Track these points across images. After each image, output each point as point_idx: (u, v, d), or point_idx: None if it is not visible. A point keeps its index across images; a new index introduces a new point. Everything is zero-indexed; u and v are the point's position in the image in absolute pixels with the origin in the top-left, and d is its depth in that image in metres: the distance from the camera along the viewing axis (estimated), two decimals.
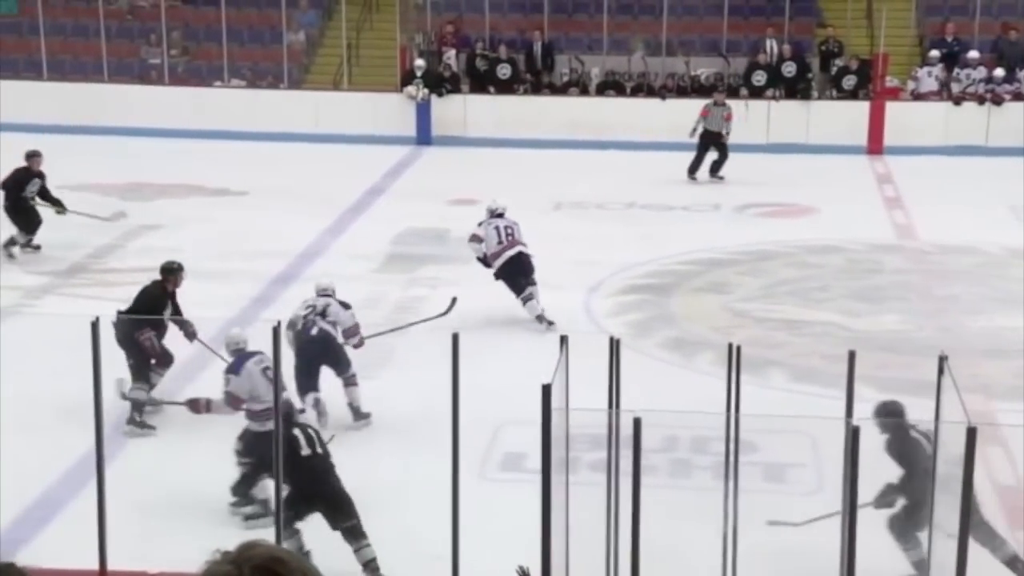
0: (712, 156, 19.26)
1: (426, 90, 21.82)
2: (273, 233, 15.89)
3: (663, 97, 22.14)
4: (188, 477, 9.26)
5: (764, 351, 11.91)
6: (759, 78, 21.91)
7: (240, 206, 17.62)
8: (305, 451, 7.99)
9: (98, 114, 21.63)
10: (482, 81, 22.33)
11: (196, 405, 9.41)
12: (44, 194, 14.90)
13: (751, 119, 20.94)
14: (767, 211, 17.68)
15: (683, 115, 19.54)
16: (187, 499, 8.96)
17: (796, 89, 21.91)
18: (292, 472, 7.57)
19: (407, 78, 22.07)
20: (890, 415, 8.03)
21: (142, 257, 14.66)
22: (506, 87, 22.25)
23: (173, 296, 10.79)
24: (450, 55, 22.63)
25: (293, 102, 22.35)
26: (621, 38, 22.95)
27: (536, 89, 22.52)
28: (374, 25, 23.62)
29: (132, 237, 15.69)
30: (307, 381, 10.04)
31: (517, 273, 12.66)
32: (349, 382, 10.31)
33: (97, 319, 6.06)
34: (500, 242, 12.76)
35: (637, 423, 6.03)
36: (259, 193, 18.17)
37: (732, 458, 7.28)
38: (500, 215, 13.05)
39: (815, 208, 17.42)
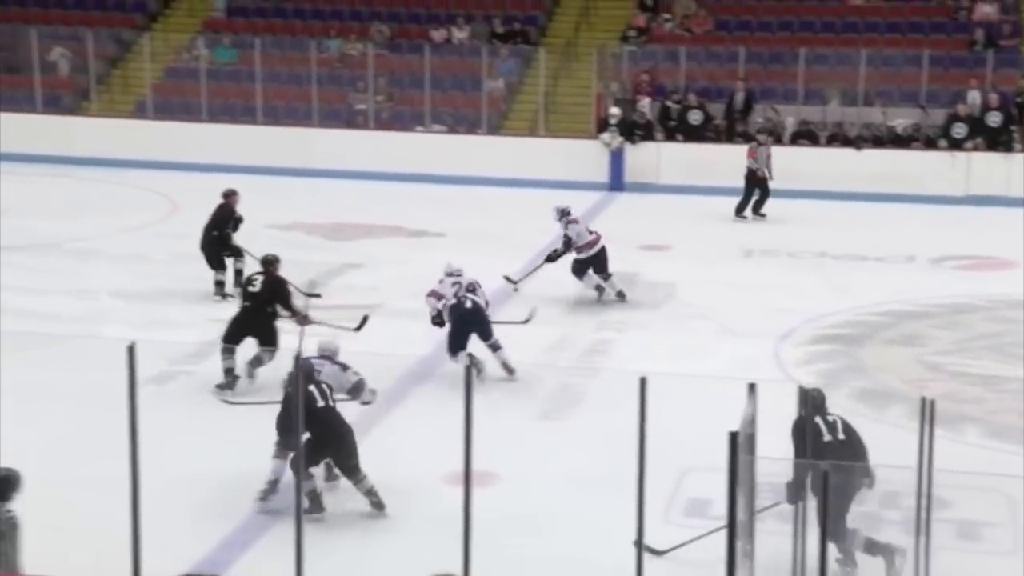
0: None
1: (620, 137, 21.85)
2: (468, 274, 16.02)
3: (858, 147, 21.67)
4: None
5: (958, 406, 11.47)
6: (959, 130, 21.25)
7: (437, 247, 17.85)
8: (320, 403, 9.08)
9: (307, 157, 22.31)
10: (673, 129, 22.24)
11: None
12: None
13: (952, 170, 20.34)
14: (965, 264, 17.07)
15: (879, 166, 19.07)
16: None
17: (998, 141, 21.16)
18: (309, 421, 8.51)
19: (602, 125, 22.16)
20: (812, 400, 8.19)
21: (343, 295, 15.02)
22: (696, 134, 22.13)
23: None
24: (644, 103, 22.63)
25: (490, 147, 22.64)
26: (817, 88, 22.58)
27: (729, 137, 22.32)
28: (571, 73, 23.79)
29: (334, 275, 16.06)
30: (458, 343, 12.05)
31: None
32: (495, 347, 12.14)
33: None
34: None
35: (825, 475, 5.85)
36: (455, 235, 18.42)
37: (924, 514, 7.00)
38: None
39: (1015, 262, 16.74)
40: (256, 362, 11.73)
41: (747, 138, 22.24)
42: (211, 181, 21.21)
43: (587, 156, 21.95)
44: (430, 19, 25.12)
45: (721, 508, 6.38)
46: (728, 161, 21.42)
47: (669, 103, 22.51)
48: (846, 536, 8.11)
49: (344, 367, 10.23)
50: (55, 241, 16.99)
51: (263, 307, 11.96)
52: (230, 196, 15.36)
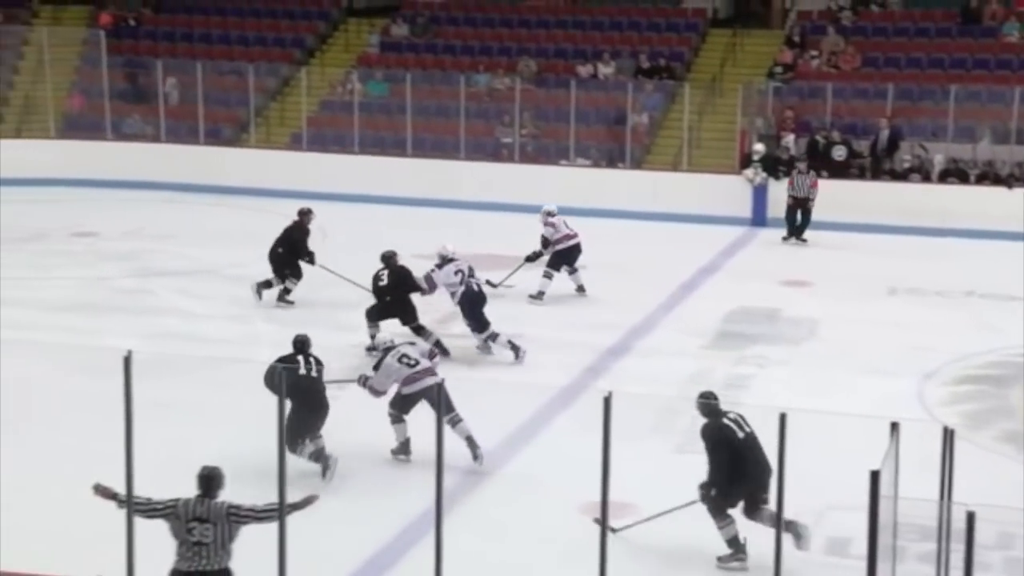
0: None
1: (764, 173, 21.60)
2: (609, 306, 16.03)
3: (1010, 186, 21.05)
4: None
5: None
6: None
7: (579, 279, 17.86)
8: (302, 371, 10.39)
9: (454, 189, 22.55)
10: (818, 165, 21.89)
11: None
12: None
13: None
14: None
15: None
16: None
17: None
18: (295, 391, 9.98)
19: (745, 161, 21.93)
20: (705, 405, 9.15)
21: (493, 326, 15.09)
22: (841, 170, 21.75)
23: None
24: (788, 139, 22.34)
25: (633, 181, 22.58)
26: (967, 125, 22.02)
27: (875, 174, 21.89)
28: (716, 109, 23.63)
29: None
30: (479, 322, 13.82)
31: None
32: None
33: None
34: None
35: (971, 517, 5.65)
36: (597, 268, 18.35)
37: None
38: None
39: None
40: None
41: (893, 175, 21.82)
42: (361, 211, 21.72)
43: (730, 191, 21.73)
44: (577, 55, 25.24)
45: (861, 547, 6.21)
46: (873, 198, 21.02)
47: (818, 138, 22.19)
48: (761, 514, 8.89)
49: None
50: (214, 267, 17.44)
51: (394, 295, 13.94)
52: (305, 215, 15.99)
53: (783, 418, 6.52)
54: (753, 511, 8.94)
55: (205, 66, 24.57)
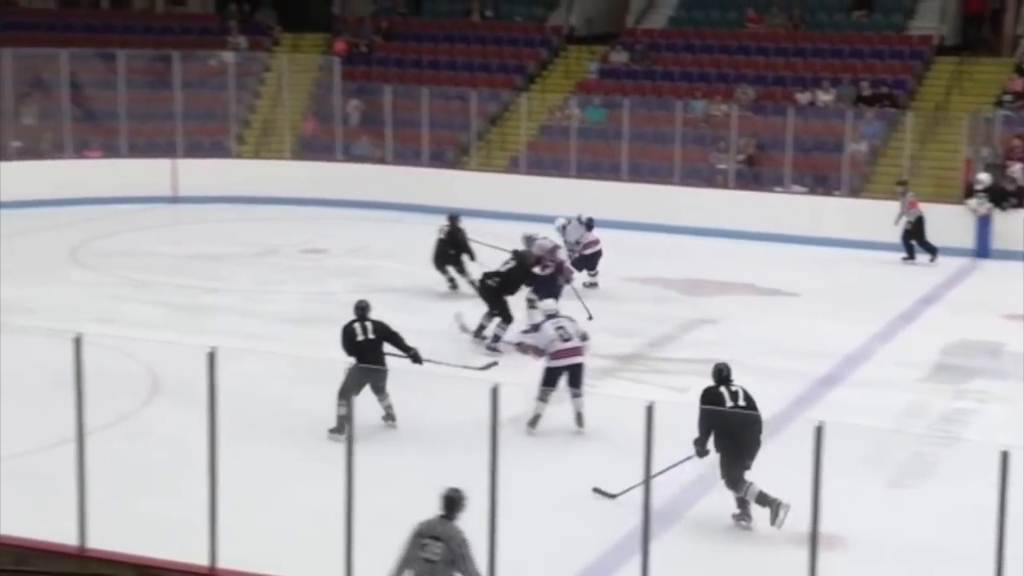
0: None
1: (989, 204, 20.66)
2: (821, 335, 15.56)
3: None
4: None
5: None
6: None
7: (790, 307, 17.44)
8: (360, 337, 11.55)
9: (668, 214, 22.34)
10: None
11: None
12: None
13: None
14: None
15: None
16: None
17: None
18: (351, 351, 11.44)
19: (969, 191, 21.02)
20: (717, 372, 9.85)
21: (695, 349, 14.87)
22: None
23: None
24: (1016, 169, 21.31)
25: (850, 210, 21.92)
26: None
27: None
28: (939, 137, 22.76)
29: (688, 330, 15.94)
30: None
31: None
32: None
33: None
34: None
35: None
36: (810, 295, 17.91)
37: None
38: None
39: None
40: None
41: None
42: None
43: (952, 221, 20.85)
44: (796, 82, 24.71)
45: None
46: None
47: None
48: (743, 486, 9.55)
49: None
50: (433, 285, 17.68)
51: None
52: (455, 219, 17.41)
53: (1004, 456, 6.14)
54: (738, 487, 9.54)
55: (431, 92, 25.06)
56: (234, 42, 27.08)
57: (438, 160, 24.82)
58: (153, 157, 24.20)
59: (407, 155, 24.86)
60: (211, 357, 7.56)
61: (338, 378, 7.06)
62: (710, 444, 9.70)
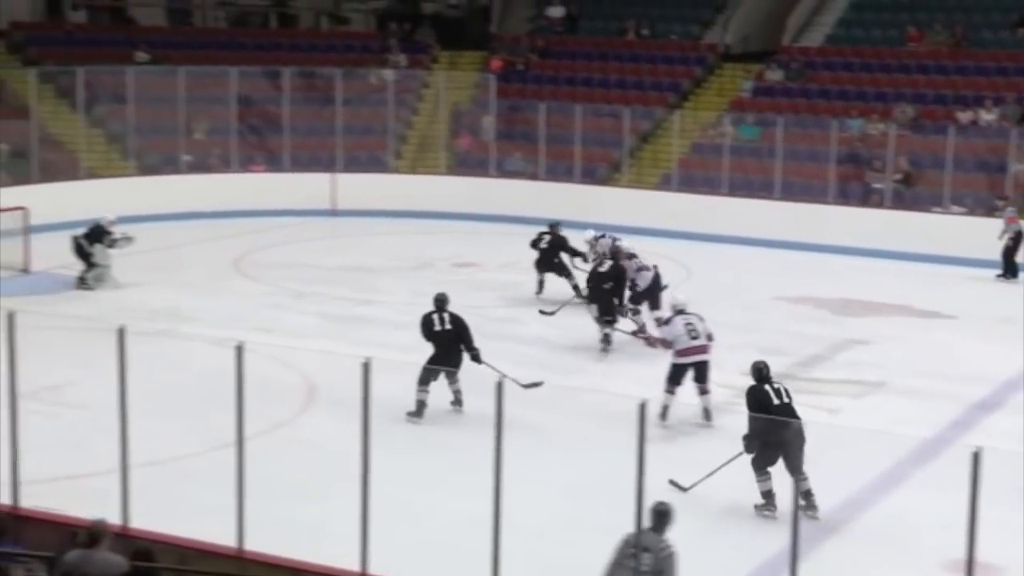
0: None
1: None
2: (978, 358, 15.07)
3: None
4: None
5: None
6: None
7: (947, 329, 16.94)
8: (437, 327, 12.37)
9: (820, 233, 21.92)
10: None
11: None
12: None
13: None
14: None
15: None
16: None
17: None
18: (430, 338, 12.39)
19: None
20: (757, 371, 10.34)
21: (847, 370, 14.55)
22: None
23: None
24: None
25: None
26: None
27: None
28: None
29: (840, 350, 15.60)
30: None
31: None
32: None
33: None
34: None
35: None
36: (970, 318, 17.37)
37: None
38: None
39: None
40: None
41: None
42: (726, 252, 21.50)
43: None
44: (957, 100, 24.02)
45: None
46: None
47: None
48: (765, 477, 9.97)
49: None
50: (580, 301, 17.65)
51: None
52: (557, 227, 18.16)
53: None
54: (793, 470, 9.33)
55: (584, 109, 25.10)
56: (394, 60, 27.57)
57: (589, 176, 24.84)
58: (314, 171, 24.78)
59: (559, 171, 24.94)
60: (366, 367, 7.69)
61: (490, 390, 7.12)
62: None
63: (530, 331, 16.18)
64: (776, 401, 10.10)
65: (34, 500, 8.75)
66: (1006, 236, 20.06)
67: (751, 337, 15.31)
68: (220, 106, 24.67)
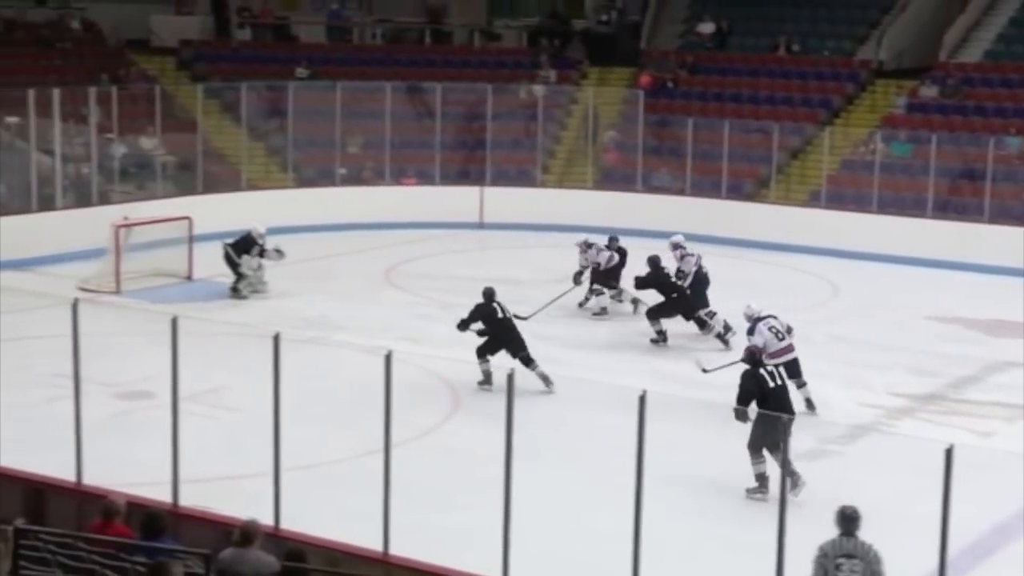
0: None
1: None
2: None
3: None
4: None
5: None
6: None
7: None
8: (500, 315, 13.79)
9: (969, 252, 21.29)
10: None
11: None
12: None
13: None
14: None
15: None
16: None
17: None
18: (493, 326, 13.77)
19: None
20: (751, 355, 11.17)
21: (1000, 393, 14.13)
22: None
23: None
24: None
25: None
26: None
27: None
28: None
29: (992, 372, 15.14)
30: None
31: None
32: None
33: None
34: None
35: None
36: None
37: None
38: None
39: None
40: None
41: None
42: (874, 270, 21.04)
43: None
44: None
45: None
46: None
47: None
48: (759, 460, 10.55)
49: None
50: (728, 316, 17.48)
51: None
52: (617, 239, 18.36)
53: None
54: (773, 449, 10.23)
55: (732, 125, 24.86)
56: (544, 75, 27.73)
57: (736, 192, 24.58)
58: (463, 185, 25.07)
59: (705, 186, 24.72)
60: (510, 379, 7.77)
61: (633, 405, 7.14)
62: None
63: (678, 345, 16.08)
64: (771, 384, 10.83)
65: (192, 499, 9.05)
66: None
67: (899, 357, 14.97)
68: (375, 120, 25.15)
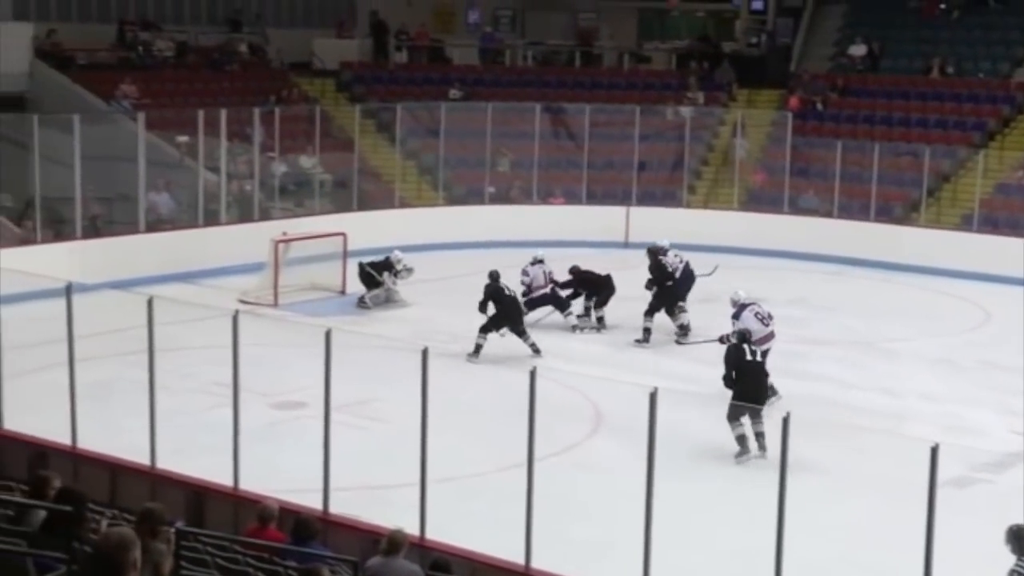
0: None
1: None
2: None
3: None
4: None
5: None
6: None
7: None
8: (507, 293, 15.87)
9: None
10: None
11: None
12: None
13: None
14: None
15: None
16: None
17: None
18: (503, 304, 15.83)
19: None
20: (742, 335, 12.70)
21: None
22: None
23: None
24: None
25: None
26: None
27: None
28: None
29: None
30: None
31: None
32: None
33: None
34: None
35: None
36: None
37: None
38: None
39: None
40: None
41: None
42: None
43: None
44: None
45: None
46: None
47: None
48: (737, 426, 11.97)
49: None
50: (872, 340, 17.14)
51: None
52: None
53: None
54: (754, 418, 11.82)
55: (882, 147, 24.33)
56: (692, 97, 27.59)
57: (885, 215, 24.03)
58: (609, 204, 25.07)
59: (853, 209, 24.23)
60: (652, 397, 7.75)
61: (800, 428, 7.08)
62: None
63: (819, 368, 15.81)
64: (749, 358, 12.23)
65: (341, 507, 9.25)
66: None
67: None
68: (524, 140, 25.34)
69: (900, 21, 28.74)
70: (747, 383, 12.15)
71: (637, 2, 32.67)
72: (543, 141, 25.37)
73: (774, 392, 13.45)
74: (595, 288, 17.82)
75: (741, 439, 11.97)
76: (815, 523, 9.60)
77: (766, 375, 12.69)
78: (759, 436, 11.88)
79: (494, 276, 16.28)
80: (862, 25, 28.74)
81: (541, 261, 17.91)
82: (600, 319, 17.67)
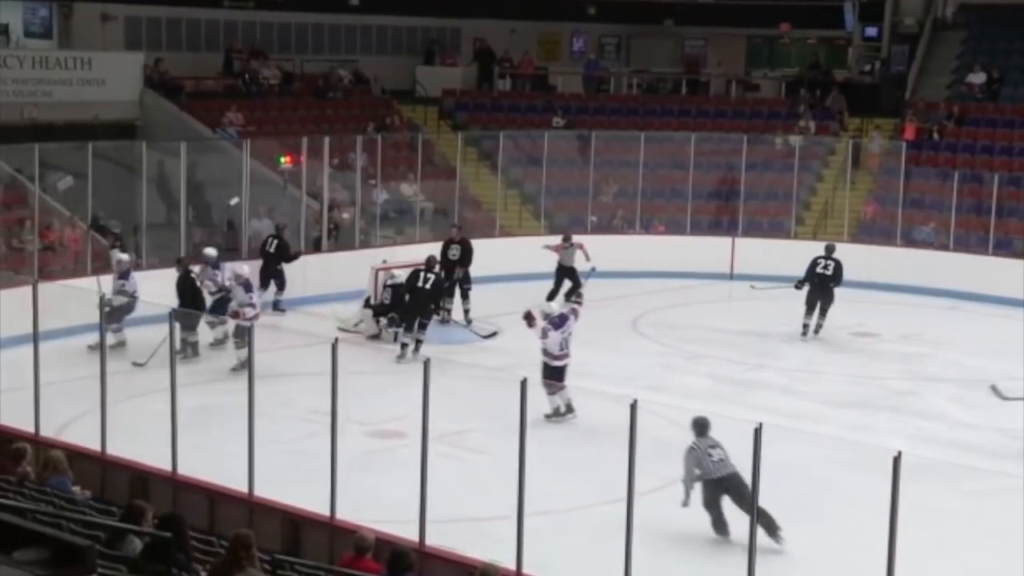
0: None
1: None
2: None
3: None
4: None
5: None
6: None
7: None
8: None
9: None
10: None
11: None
12: None
13: None
14: None
15: None
16: None
17: None
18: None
19: None
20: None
21: None
22: None
23: None
24: None
25: None
26: None
27: None
28: None
29: None
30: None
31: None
32: None
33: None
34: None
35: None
36: None
37: None
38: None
39: None
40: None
41: None
42: None
43: None
44: None
45: None
46: None
47: None
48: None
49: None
50: (987, 378, 16.72)
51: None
52: None
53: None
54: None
55: (1001, 178, 23.79)
56: (803, 126, 27.30)
57: (1004, 248, 23.46)
58: (714, 235, 24.87)
59: (970, 242, 23.71)
60: (757, 432, 7.65)
61: (885, 466, 6.93)
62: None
63: (931, 405, 15.47)
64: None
65: (437, 538, 9.28)
66: None
67: None
68: (628, 170, 25.30)
69: (1021, 48, 28.14)
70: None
71: (746, 28, 32.45)
72: (648, 170, 25.29)
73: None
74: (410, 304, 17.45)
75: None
76: (926, 573, 9.38)
77: None
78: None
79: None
80: (981, 52, 28.22)
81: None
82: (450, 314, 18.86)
